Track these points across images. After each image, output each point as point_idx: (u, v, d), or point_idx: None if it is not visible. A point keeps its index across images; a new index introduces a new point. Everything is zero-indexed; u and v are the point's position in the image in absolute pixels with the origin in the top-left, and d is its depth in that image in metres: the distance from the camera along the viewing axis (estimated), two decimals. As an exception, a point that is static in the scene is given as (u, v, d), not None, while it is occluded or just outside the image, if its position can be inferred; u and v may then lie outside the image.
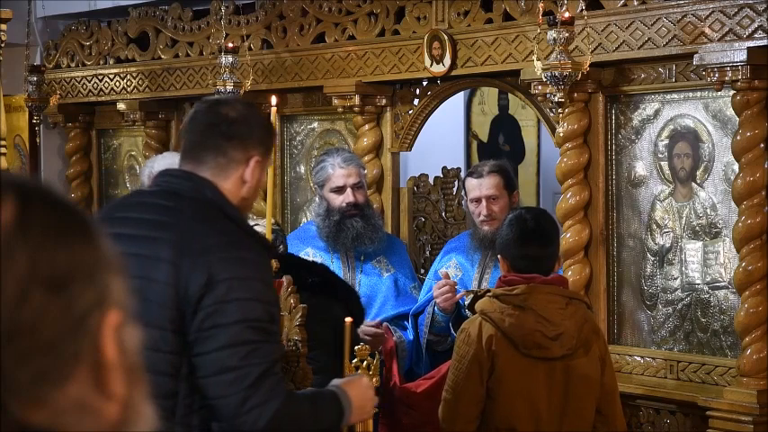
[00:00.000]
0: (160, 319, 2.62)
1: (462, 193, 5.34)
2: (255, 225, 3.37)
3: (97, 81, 6.85)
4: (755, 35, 4.16)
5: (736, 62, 4.16)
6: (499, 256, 3.91)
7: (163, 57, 6.56)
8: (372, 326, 4.63)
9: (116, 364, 0.95)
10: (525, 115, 7.61)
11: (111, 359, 0.95)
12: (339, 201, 4.81)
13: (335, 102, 5.63)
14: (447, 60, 5.17)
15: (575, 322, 3.71)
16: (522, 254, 3.79)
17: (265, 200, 5.70)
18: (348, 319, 3.29)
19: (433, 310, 4.71)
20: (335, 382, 2.92)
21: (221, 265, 2.63)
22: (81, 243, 0.96)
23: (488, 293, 3.79)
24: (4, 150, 5.27)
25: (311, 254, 4.83)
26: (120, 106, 6.70)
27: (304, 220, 5.93)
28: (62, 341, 0.92)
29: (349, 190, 4.81)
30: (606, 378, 3.78)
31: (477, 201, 4.81)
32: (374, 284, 4.91)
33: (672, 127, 4.62)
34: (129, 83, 6.68)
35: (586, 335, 3.73)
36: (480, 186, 4.81)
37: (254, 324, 2.64)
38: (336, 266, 4.78)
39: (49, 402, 0.91)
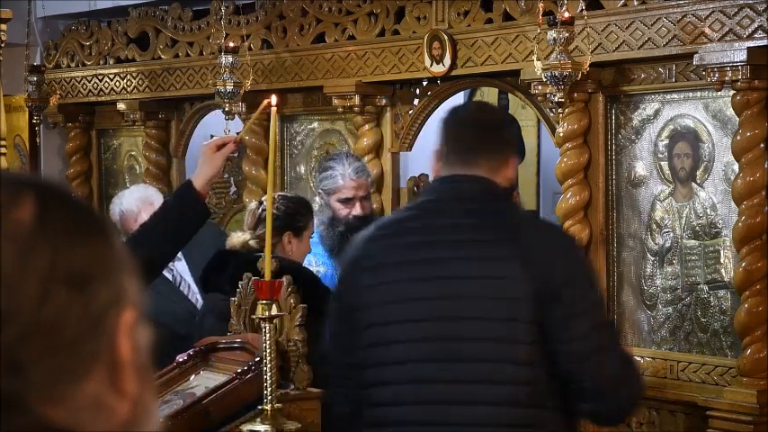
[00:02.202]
0: (515, 313, 2.76)
1: None
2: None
3: (97, 81, 6.85)
4: (755, 35, 4.16)
5: (736, 62, 4.16)
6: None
7: (163, 57, 6.56)
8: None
9: (130, 362, 0.96)
10: (525, 115, 7.60)
11: (126, 358, 0.96)
12: (345, 212, 4.76)
13: (335, 102, 5.63)
14: (447, 60, 5.17)
15: None
16: None
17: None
18: None
19: None
20: None
21: (567, 254, 2.88)
22: (98, 242, 0.97)
23: None
24: (4, 150, 5.28)
25: (314, 262, 4.79)
26: (120, 106, 6.70)
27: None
28: (82, 339, 0.93)
29: (357, 203, 4.78)
30: None
31: None
32: None
33: (672, 127, 4.62)
34: (129, 83, 6.68)
35: None
36: None
37: (601, 305, 2.96)
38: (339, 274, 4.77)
39: (68, 400, 0.92)
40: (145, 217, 4.33)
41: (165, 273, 4.62)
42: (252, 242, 4.11)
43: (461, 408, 2.77)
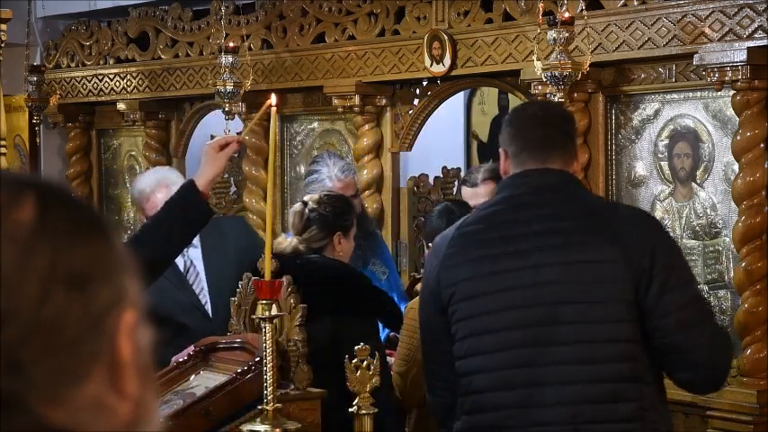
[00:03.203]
0: (614, 295, 2.90)
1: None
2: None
3: (97, 81, 6.85)
4: (755, 35, 4.17)
5: (736, 62, 4.16)
6: (430, 245, 4.10)
7: (163, 57, 6.56)
8: None
9: (131, 363, 0.96)
10: (525, 115, 7.60)
11: (126, 358, 0.95)
12: None
13: (335, 102, 5.63)
14: (447, 60, 5.17)
15: None
16: None
17: (265, 200, 5.72)
18: None
19: None
20: None
21: (657, 235, 3.03)
22: (99, 242, 0.96)
23: None
24: (4, 150, 5.28)
25: None
26: (120, 106, 6.70)
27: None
28: (82, 339, 0.92)
29: None
30: None
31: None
32: None
33: (672, 127, 4.62)
34: (129, 83, 6.68)
35: None
36: (476, 195, 4.78)
37: (693, 279, 3.11)
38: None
39: (69, 401, 0.92)
40: (159, 198, 4.30)
41: (178, 258, 4.60)
42: (301, 246, 4.01)
43: (564, 387, 2.89)
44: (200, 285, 4.90)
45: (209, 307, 4.84)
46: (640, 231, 2.98)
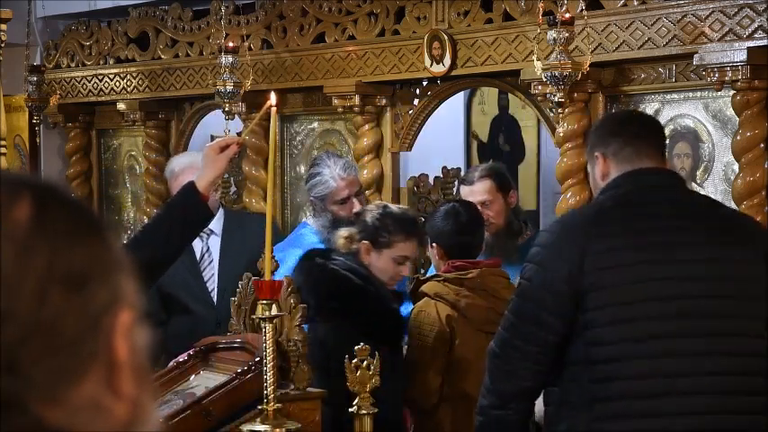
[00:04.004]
0: (754, 292, 3.05)
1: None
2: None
3: (97, 81, 6.85)
4: (755, 35, 4.17)
5: (736, 62, 4.16)
6: (435, 244, 4.34)
7: (163, 57, 6.56)
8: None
9: (127, 363, 0.96)
10: (525, 115, 7.60)
11: (123, 359, 0.95)
12: (345, 212, 4.69)
13: (335, 102, 5.63)
14: (447, 60, 5.17)
15: None
16: (458, 242, 4.32)
17: (265, 200, 5.71)
18: None
19: None
20: None
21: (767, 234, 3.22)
22: (96, 243, 0.97)
23: (436, 278, 4.27)
24: (4, 150, 5.28)
25: None
26: (120, 106, 6.70)
27: (304, 219, 5.91)
28: (79, 339, 0.93)
29: (354, 200, 4.72)
30: None
31: None
32: None
33: (672, 127, 4.62)
34: (129, 83, 6.68)
35: None
36: (473, 194, 4.78)
37: None
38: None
39: (66, 401, 0.92)
40: (186, 179, 4.36)
41: (196, 242, 4.67)
42: (348, 242, 4.26)
43: (712, 378, 2.99)
44: (212, 272, 4.97)
45: (215, 294, 4.90)
46: (759, 231, 3.23)
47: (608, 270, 3.01)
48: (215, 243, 5.03)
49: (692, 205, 3.22)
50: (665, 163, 3.26)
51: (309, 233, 4.81)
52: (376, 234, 4.20)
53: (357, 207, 4.65)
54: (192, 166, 4.72)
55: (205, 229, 4.63)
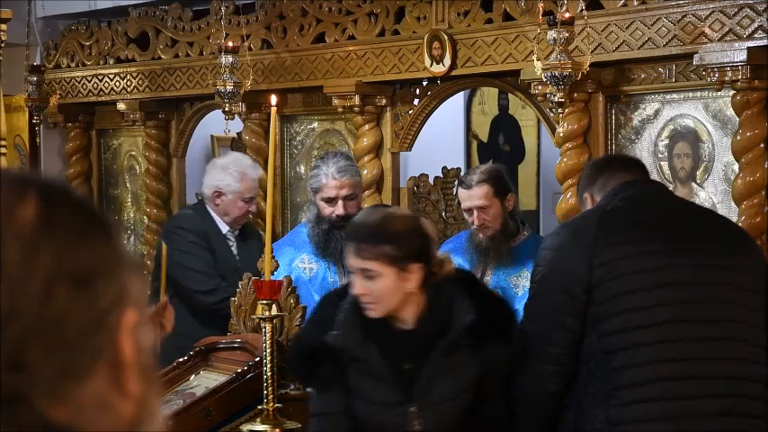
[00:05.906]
0: (756, 288, 3.16)
1: (457, 199, 5.32)
2: None
3: (97, 81, 6.85)
4: (755, 35, 4.17)
5: (736, 62, 4.16)
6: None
7: (163, 57, 6.56)
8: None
9: (133, 362, 0.96)
10: (525, 115, 7.61)
11: (129, 357, 0.95)
12: (329, 211, 4.73)
13: (335, 102, 5.63)
14: (447, 60, 5.17)
15: None
16: None
17: (265, 200, 5.71)
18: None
19: None
20: None
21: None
22: (102, 241, 0.96)
23: None
24: (4, 150, 5.28)
25: (306, 260, 4.77)
26: (120, 106, 6.70)
27: (304, 220, 5.91)
28: (85, 338, 0.92)
29: (340, 202, 4.72)
30: None
31: (469, 211, 4.78)
32: None
33: (672, 127, 4.62)
34: (129, 83, 6.68)
35: None
36: (470, 197, 4.77)
37: None
38: (333, 274, 4.75)
39: (72, 399, 0.92)
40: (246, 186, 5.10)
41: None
42: None
43: (726, 363, 3.09)
44: (233, 251, 5.27)
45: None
46: (752, 241, 3.40)
47: (617, 261, 3.09)
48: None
49: (688, 206, 3.44)
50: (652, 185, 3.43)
51: (304, 229, 4.90)
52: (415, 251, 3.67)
53: (340, 210, 4.66)
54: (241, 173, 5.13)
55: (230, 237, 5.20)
